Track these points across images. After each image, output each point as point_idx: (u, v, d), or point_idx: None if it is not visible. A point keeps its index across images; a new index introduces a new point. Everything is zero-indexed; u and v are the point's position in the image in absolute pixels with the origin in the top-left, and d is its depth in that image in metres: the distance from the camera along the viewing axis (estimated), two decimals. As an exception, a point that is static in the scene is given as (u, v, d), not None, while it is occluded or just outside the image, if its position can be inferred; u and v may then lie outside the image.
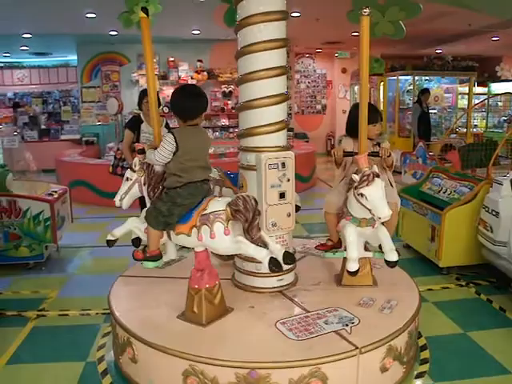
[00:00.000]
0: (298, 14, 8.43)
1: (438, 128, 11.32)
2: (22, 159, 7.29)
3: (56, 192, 5.32)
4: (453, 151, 6.55)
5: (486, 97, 11.81)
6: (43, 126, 12.79)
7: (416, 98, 10.19)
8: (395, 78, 11.27)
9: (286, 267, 2.84)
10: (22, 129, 12.23)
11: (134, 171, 3.06)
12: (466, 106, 11.81)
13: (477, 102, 11.60)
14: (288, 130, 3.42)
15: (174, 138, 2.83)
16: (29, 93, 13.55)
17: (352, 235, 3.07)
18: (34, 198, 4.99)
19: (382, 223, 3.05)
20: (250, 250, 2.68)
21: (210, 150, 10.61)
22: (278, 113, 3.17)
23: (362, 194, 2.88)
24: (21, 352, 3.37)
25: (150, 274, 3.58)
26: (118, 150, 5.20)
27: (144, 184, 3.05)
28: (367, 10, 3.01)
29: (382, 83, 11.63)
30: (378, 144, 3.32)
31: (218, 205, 2.76)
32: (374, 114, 3.31)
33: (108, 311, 3.29)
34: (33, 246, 4.92)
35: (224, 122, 12.52)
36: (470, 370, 3.08)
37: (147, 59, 3.18)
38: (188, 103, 2.91)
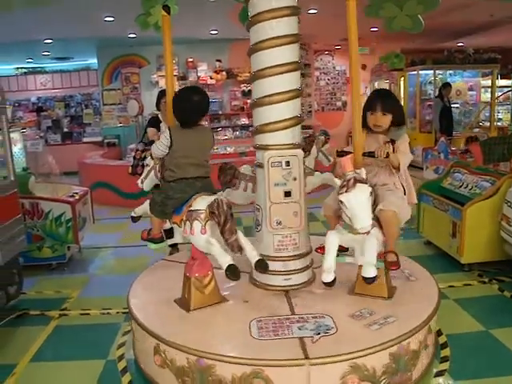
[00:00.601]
0: (316, 11, 8.38)
1: (460, 123, 11.11)
2: (46, 163, 7.44)
3: (77, 193, 5.41)
4: (476, 144, 6.44)
5: (509, 89, 11.57)
6: (66, 129, 13.02)
7: (437, 93, 10.02)
8: (415, 72, 11.11)
9: (292, 268, 2.80)
10: (46, 132, 12.48)
11: (152, 158, 3.30)
12: (490, 100, 11.57)
13: (500, 94, 11.36)
14: (307, 128, 3.42)
15: (170, 134, 3.06)
16: (51, 97, 13.79)
17: (330, 244, 2.89)
18: (56, 199, 5.08)
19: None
20: (216, 253, 2.77)
21: (231, 149, 10.65)
22: (284, 110, 3.13)
23: (341, 201, 2.69)
24: (43, 350, 3.44)
25: (167, 273, 3.62)
26: (137, 150, 5.22)
27: (158, 171, 3.26)
28: None
29: (403, 78, 11.49)
30: (393, 141, 2.95)
31: (200, 204, 2.87)
32: (374, 100, 3.04)
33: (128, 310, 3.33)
34: (55, 247, 5.01)
35: (244, 120, 12.54)
36: (491, 368, 3.01)
37: (167, 57, 3.37)
38: (180, 111, 3.12)
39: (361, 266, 2.96)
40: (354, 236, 2.85)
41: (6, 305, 3.98)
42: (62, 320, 3.92)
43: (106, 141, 11.98)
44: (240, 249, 2.76)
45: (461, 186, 4.94)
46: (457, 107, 11.14)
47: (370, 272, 2.81)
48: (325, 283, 2.93)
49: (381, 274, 3.02)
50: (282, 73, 3.09)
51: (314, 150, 3.78)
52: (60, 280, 4.83)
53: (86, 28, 9.06)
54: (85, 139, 12.67)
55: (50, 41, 10.13)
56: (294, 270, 3.25)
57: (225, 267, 2.71)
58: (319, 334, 2.67)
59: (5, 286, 3.92)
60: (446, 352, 3.18)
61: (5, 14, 7.27)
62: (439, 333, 3.34)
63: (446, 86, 9.76)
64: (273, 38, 3.06)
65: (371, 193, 2.70)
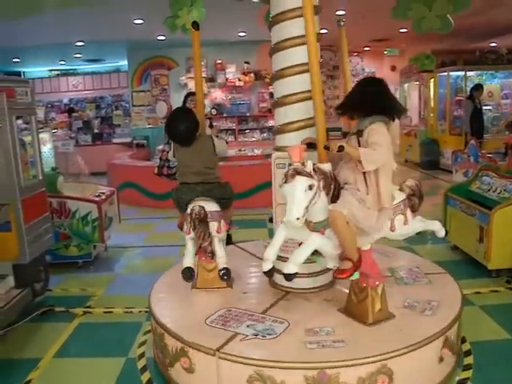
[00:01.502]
0: (343, 13, 8.32)
1: (492, 125, 10.83)
2: (76, 163, 7.59)
3: (104, 193, 5.50)
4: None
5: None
6: (96, 130, 13.28)
7: (468, 94, 9.80)
8: (446, 73, 10.90)
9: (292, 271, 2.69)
10: (77, 133, 12.75)
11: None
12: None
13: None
14: (336, 130, 3.41)
15: (173, 151, 3.57)
16: (83, 98, 14.07)
17: (275, 237, 2.80)
18: (82, 199, 5.19)
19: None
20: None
21: (258, 151, 10.61)
22: (293, 112, 3.15)
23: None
24: (67, 346, 3.52)
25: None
26: (164, 151, 5.29)
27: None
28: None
29: (433, 80, 11.29)
30: (359, 132, 2.69)
31: (190, 208, 3.21)
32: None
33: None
34: (82, 246, 5.11)
35: (271, 122, 12.51)
36: (515, 377, 2.93)
37: (196, 66, 3.77)
38: (167, 133, 3.62)
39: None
40: (302, 232, 2.66)
41: (33, 301, 4.07)
42: (86, 317, 4.00)
43: (134, 142, 12.16)
44: (212, 254, 3.28)
45: (489, 190, 4.82)
46: (489, 109, 10.88)
47: (288, 268, 2.64)
48: (263, 272, 2.81)
49: (364, 297, 2.81)
50: (300, 72, 3.09)
51: None
52: (85, 278, 4.93)
53: (116, 31, 9.23)
54: (114, 140, 12.90)
55: (81, 43, 10.35)
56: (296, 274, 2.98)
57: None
58: (256, 335, 2.72)
59: (31, 282, 4.02)
60: (469, 360, 3.10)
61: (38, 17, 7.46)
62: (463, 340, 3.26)
63: (478, 87, 9.52)
64: (293, 38, 3.06)
65: (310, 186, 2.47)
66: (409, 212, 2.93)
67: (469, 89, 10.07)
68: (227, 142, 5.48)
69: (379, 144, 2.53)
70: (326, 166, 2.65)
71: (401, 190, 2.96)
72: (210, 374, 2.62)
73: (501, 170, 4.99)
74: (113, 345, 3.49)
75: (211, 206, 3.26)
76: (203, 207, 3.15)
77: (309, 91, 2.99)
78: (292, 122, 3.17)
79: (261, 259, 2.94)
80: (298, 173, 2.45)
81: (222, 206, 3.38)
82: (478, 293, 4.12)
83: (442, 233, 3.16)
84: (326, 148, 2.60)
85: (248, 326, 2.83)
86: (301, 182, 2.44)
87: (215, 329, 2.83)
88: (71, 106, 13.88)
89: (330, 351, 2.54)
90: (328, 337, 2.69)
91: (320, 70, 3.18)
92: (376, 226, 2.70)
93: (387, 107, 2.68)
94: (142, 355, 3.32)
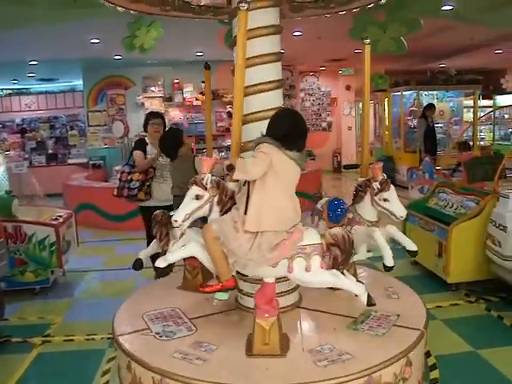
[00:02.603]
0: (300, 33, 8.49)
1: (443, 143, 11.25)
2: (30, 184, 7.35)
3: (61, 216, 5.33)
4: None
5: (491, 110, 11.77)
6: (51, 151, 12.92)
7: (421, 114, 10.16)
8: (399, 93, 11.27)
9: None
10: (30, 154, 12.37)
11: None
12: (472, 119, 11.76)
13: (482, 114, 11.56)
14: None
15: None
16: (36, 118, 13.69)
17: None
18: (39, 223, 5.01)
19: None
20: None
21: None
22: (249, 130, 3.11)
23: None
24: (26, 379, 3.35)
25: (153, 295, 3.56)
26: (124, 172, 5.19)
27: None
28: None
29: (387, 99, 11.64)
30: None
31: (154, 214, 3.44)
32: None
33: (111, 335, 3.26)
34: (38, 271, 4.92)
35: (229, 142, 12.55)
36: (481, 389, 3.01)
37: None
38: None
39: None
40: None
41: (-13, 332, 3.88)
42: (45, 347, 3.83)
43: (91, 162, 11.89)
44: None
45: (446, 206, 4.97)
46: (440, 127, 11.30)
47: (158, 261, 2.95)
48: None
49: (264, 333, 2.64)
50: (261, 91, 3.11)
51: (367, 198, 3.26)
52: (43, 305, 4.74)
53: (71, 50, 9.06)
54: (70, 161, 12.58)
55: (35, 62, 10.11)
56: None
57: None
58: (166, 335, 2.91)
59: (-14, 312, 3.83)
60: (435, 374, 3.16)
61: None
62: (428, 354, 3.31)
63: (430, 106, 9.89)
64: (256, 57, 3.08)
65: (197, 196, 2.68)
66: (316, 260, 2.59)
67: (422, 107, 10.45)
68: None
69: (257, 157, 2.56)
70: (230, 185, 2.84)
71: (322, 235, 2.67)
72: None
73: (456, 186, 5.16)
74: (75, 375, 3.35)
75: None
76: (165, 213, 3.36)
77: (266, 110, 3.05)
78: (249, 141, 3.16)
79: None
80: (194, 182, 2.70)
81: None
82: (439, 307, 4.23)
83: (363, 298, 2.72)
84: (228, 168, 2.71)
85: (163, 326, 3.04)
86: (191, 190, 2.70)
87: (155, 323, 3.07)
88: (24, 126, 13.49)
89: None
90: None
91: (281, 88, 3.26)
92: (248, 253, 2.54)
93: (281, 136, 2.61)
94: (106, 384, 3.21)
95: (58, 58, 9.79)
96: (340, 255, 2.58)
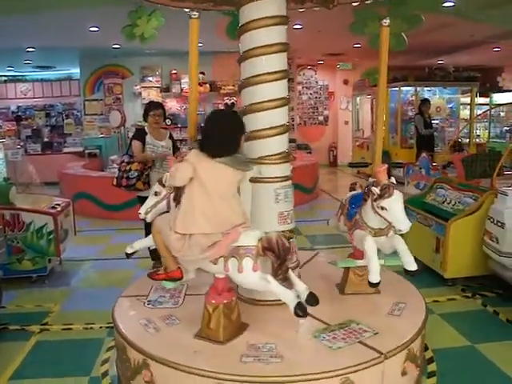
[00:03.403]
0: (300, 26, 8.47)
1: (440, 138, 11.31)
2: (26, 172, 7.31)
3: (59, 205, 5.32)
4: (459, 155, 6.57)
5: (488, 107, 11.81)
6: (46, 139, 12.85)
7: (417, 110, 10.18)
8: (397, 88, 11.28)
9: None
10: (25, 142, 12.29)
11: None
12: (469, 117, 11.80)
13: (479, 112, 11.60)
14: (290, 141, 3.41)
15: None
16: (32, 106, 13.56)
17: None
18: (37, 211, 4.99)
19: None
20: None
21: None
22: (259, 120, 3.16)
23: None
24: (24, 367, 3.35)
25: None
26: (123, 162, 5.18)
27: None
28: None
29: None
30: None
31: None
32: None
33: (112, 325, 3.26)
34: (36, 260, 4.90)
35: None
36: (477, 382, 3.06)
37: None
38: None
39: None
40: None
41: (-15, 319, 3.87)
42: (43, 335, 3.83)
43: (87, 151, 11.83)
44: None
45: (444, 202, 5.00)
46: (437, 123, 11.33)
47: (127, 248, 3.24)
48: (125, 253, 3.24)
49: (209, 318, 2.73)
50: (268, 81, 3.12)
51: (368, 203, 2.97)
52: (41, 293, 4.73)
53: (69, 37, 8.97)
54: (65, 149, 12.52)
55: (32, 49, 10.00)
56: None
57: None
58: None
59: (-17, 299, 3.82)
60: (432, 367, 3.20)
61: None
62: (426, 347, 3.35)
63: (425, 102, 9.89)
64: (264, 46, 3.09)
65: (156, 193, 3.03)
66: (248, 261, 2.53)
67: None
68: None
69: (181, 164, 2.66)
70: (165, 176, 2.97)
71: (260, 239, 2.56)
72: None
73: (454, 182, 5.19)
74: (74, 363, 3.35)
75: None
76: None
77: (275, 100, 3.10)
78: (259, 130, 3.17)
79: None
80: (159, 181, 3.01)
81: None
82: (437, 301, 4.26)
83: (290, 307, 2.50)
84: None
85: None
86: (153, 187, 3.07)
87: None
88: (19, 113, 13.38)
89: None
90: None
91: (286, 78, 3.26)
92: (181, 251, 2.64)
93: (202, 143, 2.68)
94: (105, 373, 3.21)
95: (56, 45, 9.70)
96: (275, 260, 2.48)
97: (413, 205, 5.26)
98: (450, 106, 11.91)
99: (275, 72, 3.13)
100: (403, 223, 2.79)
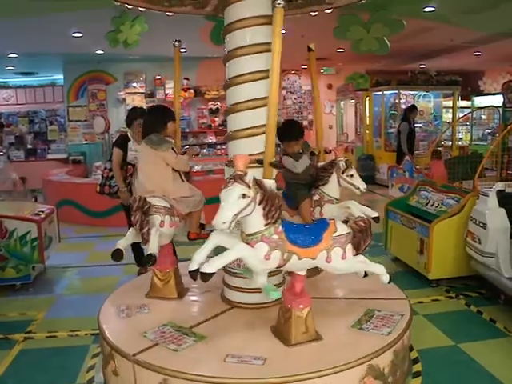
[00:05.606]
0: (284, 32, 8.50)
1: (423, 142, 11.42)
2: (8, 179, 7.23)
3: (43, 212, 5.27)
4: (438, 160, 6.66)
5: (469, 110, 11.97)
6: (29, 146, 12.70)
7: (403, 115, 10.22)
8: (380, 92, 11.39)
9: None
10: (8, 149, 12.14)
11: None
12: (451, 120, 11.95)
13: (461, 115, 11.76)
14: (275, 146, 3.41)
15: None
16: (15, 113, 13.41)
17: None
18: (21, 218, 4.93)
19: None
20: None
21: (198, 167, 10.60)
22: (245, 119, 3.22)
23: None
24: (7, 376, 3.30)
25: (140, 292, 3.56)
26: (106, 168, 5.15)
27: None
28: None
29: (368, 98, 11.75)
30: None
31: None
32: None
33: (97, 331, 3.24)
34: (19, 267, 4.84)
35: (211, 138, 12.55)
36: (462, 381, 3.09)
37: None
38: None
39: None
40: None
41: (-32, 328, 3.82)
42: (28, 343, 3.78)
43: (71, 158, 11.75)
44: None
45: (427, 204, 5.06)
46: (420, 127, 11.45)
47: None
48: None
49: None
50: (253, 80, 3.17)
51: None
52: (24, 301, 4.67)
53: (52, 43, 8.92)
54: (49, 156, 12.41)
55: (14, 55, 9.91)
56: (239, 287, 3.34)
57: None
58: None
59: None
60: (418, 367, 3.22)
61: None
62: (411, 348, 3.38)
63: (412, 108, 9.83)
64: (249, 46, 3.14)
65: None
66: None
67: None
68: None
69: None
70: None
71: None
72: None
73: (437, 184, 5.25)
74: (59, 371, 3.31)
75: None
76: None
77: (259, 99, 3.11)
78: (243, 129, 3.20)
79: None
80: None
81: None
82: (421, 302, 4.31)
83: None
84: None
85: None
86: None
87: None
88: (1, 120, 13.22)
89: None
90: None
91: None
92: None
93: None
94: (91, 380, 3.18)
95: (39, 51, 9.63)
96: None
97: (397, 207, 5.32)
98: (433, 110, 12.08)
99: (260, 71, 3.16)
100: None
